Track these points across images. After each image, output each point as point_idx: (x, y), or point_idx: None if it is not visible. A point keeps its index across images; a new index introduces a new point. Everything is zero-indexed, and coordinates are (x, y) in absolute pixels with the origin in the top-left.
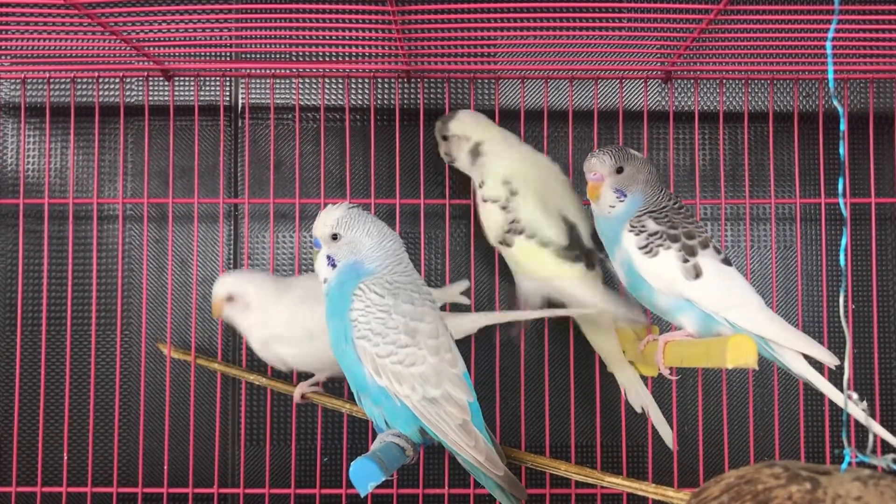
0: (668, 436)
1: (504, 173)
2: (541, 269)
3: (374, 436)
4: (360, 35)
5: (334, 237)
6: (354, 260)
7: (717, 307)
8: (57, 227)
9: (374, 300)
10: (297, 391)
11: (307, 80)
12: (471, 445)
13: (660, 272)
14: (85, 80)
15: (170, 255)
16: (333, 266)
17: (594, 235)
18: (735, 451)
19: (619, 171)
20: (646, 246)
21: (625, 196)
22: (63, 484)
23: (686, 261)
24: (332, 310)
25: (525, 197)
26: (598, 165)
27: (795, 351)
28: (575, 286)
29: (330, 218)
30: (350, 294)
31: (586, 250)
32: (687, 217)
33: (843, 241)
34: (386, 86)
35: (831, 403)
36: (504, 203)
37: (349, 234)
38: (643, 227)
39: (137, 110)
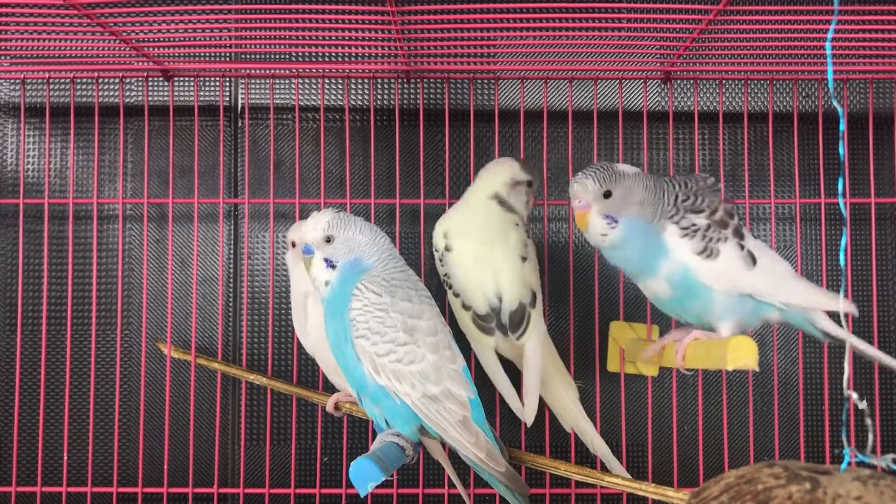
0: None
1: (446, 225)
2: (464, 328)
3: (375, 436)
4: (359, 35)
5: (328, 240)
6: (354, 257)
7: (771, 291)
8: (57, 227)
9: (371, 299)
10: (331, 400)
11: (307, 81)
12: (471, 442)
13: (724, 271)
14: (85, 80)
15: (170, 255)
16: (333, 267)
17: (519, 309)
18: (735, 451)
19: (608, 195)
20: (704, 249)
21: (616, 222)
22: (63, 484)
23: (742, 248)
24: (332, 311)
25: (459, 255)
26: (582, 192)
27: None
28: (485, 358)
29: (320, 222)
30: (349, 294)
31: (501, 324)
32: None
33: (843, 242)
34: (385, 86)
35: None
36: (440, 255)
37: (343, 233)
38: (694, 226)
39: (137, 110)
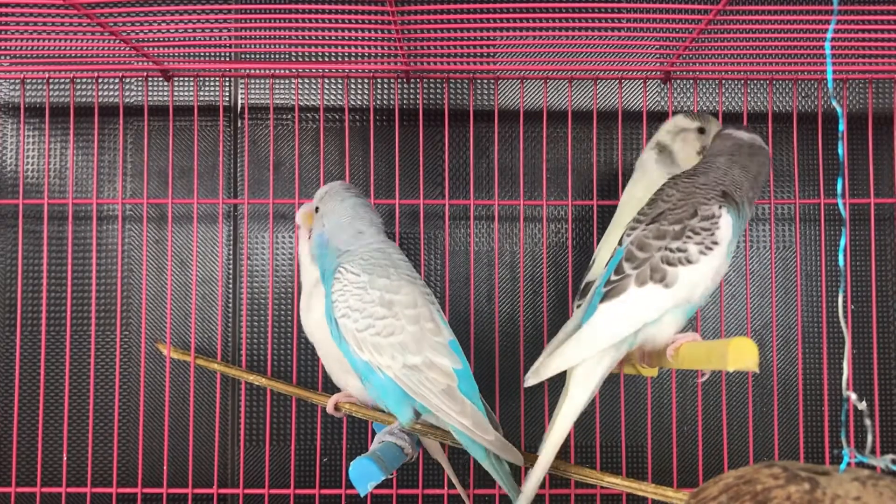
0: None
1: None
2: None
3: (374, 436)
4: (359, 35)
5: (317, 210)
6: (321, 233)
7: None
8: (56, 227)
9: (350, 279)
10: (331, 401)
11: (307, 81)
12: (456, 410)
13: None
14: (84, 80)
15: (169, 255)
16: (309, 237)
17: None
18: (734, 452)
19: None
20: None
21: None
22: (63, 484)
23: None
24: (326, 292)
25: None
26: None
27: None
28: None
29: (319, 192)
30: (332, 276)
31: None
32: None
33: (842, 242)
34: (385, 86)
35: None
36: None
37: (324, 206)
38: None
39: (137, 110)
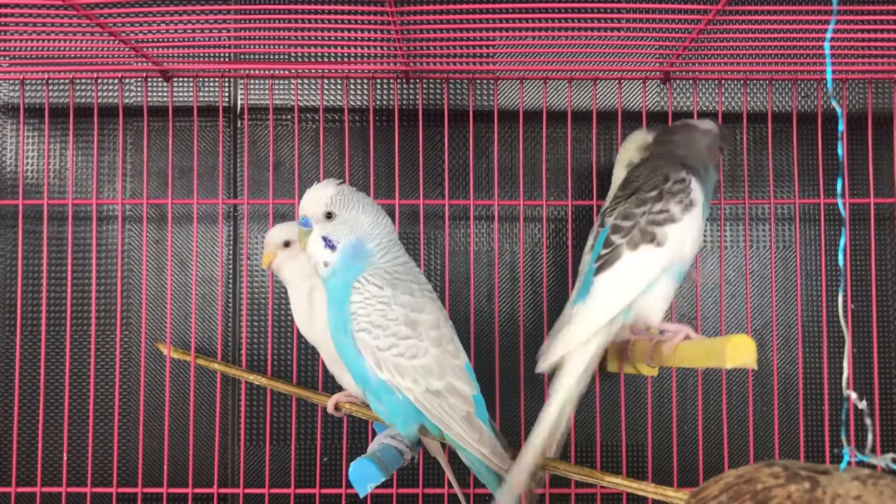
0: None
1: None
2: None
3: (374, 436)
4: (359, 35)
5: (329, 216)
6: (356, 238)
7: None
8: (56, 227)
9: (373, 292)
10: (332, 401)
11: (306, 81)
12: (475, 438)
13: None
14: (84, 80)
15: (169, 255)
16: (333, 248)
17: None
18: (735, 451)
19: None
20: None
21: None
22: (63, 484)
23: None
24: (333, 299)
25: None
26: None
27: None
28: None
29: (323, 196)
30: (350, 285)
31: None
32: None
33: (842, 242)
34: (385, 86)
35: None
36: None
37: (346, 212)
38: None
39: (136, 111)
